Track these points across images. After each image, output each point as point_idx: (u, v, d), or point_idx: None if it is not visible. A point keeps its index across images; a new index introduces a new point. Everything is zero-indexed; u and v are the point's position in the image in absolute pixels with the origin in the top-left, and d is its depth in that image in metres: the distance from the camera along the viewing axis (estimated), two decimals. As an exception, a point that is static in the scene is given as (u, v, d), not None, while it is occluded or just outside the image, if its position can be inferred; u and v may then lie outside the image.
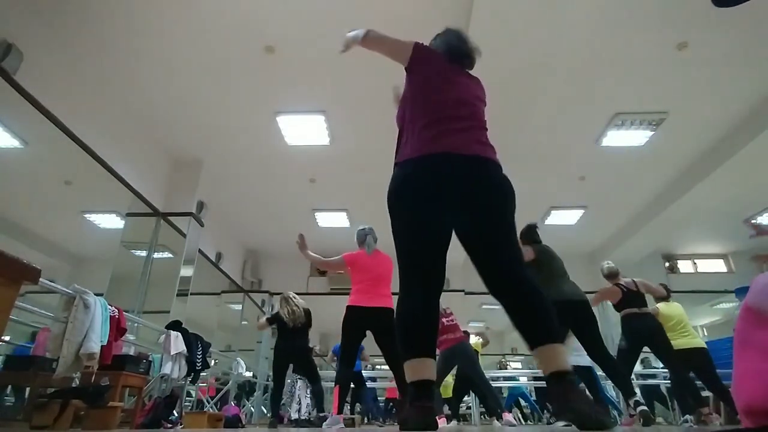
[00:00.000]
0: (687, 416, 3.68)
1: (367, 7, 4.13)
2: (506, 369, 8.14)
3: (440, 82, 1.64)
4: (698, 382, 3.95)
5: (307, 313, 4.58)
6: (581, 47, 4.44)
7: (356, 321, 3.25)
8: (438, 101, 1.59)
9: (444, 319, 4.59)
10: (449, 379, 6.44)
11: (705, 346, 4.09)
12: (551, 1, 3.94)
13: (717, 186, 6.40)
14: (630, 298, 3.79)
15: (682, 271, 9.62)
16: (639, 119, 5.49)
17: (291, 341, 4.40)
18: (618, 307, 3.81)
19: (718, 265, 9.71)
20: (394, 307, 3.27)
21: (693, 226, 8.05)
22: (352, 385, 5.35)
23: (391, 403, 8.51)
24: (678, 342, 4.02)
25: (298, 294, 4.87)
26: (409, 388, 1.32)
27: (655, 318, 3.92)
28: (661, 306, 4.35)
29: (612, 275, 3.94)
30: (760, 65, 4.61)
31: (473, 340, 6.16)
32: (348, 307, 3.28)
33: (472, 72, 1.80)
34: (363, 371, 6.25)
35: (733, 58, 4.52)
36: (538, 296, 1.34)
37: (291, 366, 4.75)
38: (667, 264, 9.60)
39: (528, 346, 1.30)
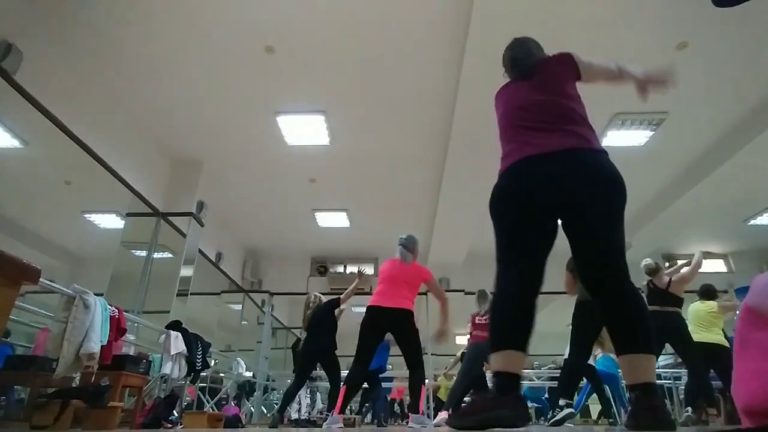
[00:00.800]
0: (688, 408, 3.69)
1: (368, 6, 4.13)
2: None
3: (505, 110, 1.74)
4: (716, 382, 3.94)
5: (323, 309, 4.50)
6: (581, 47, 4.41)
7: (374, 321, 3.26)
8: (506, 125, 1.67)
9: (477, 318, 4.62)
10: (444, 381, 6.43)
11: (715, 342, 4.06)
12: (551, 1, 3.94)
13: (717, 186, 6.40)
14: (654, 296, 3.79)
15: (682, 271, 9.61)
16: (639, 119, 5.49)
17: (312, 341, 4.38)
18: None
19: (718, 265, 9.71)
20: (412, 310, 3.30)
21: (693, 226, 8.05)
22: (365, 385, 5.32)
23: (395, 404, 8.51)
24: (703, 335, 4.00)
25: (298, 294, 4.87)
26: (495, 377, 1.28)
27: (678, 317, 3.88)
28: (694, 304, 4.33)
29: (653, 272, 3.94)
30: (760, 65, 4.61)
31: None
32: (367, 307, 3.32)
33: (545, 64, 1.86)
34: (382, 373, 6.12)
35: (733, 58, 4.52)
36: (636, 300, 1.31)
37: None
38: (667, 264, 9.58)
39: (617, 350, 1.28)
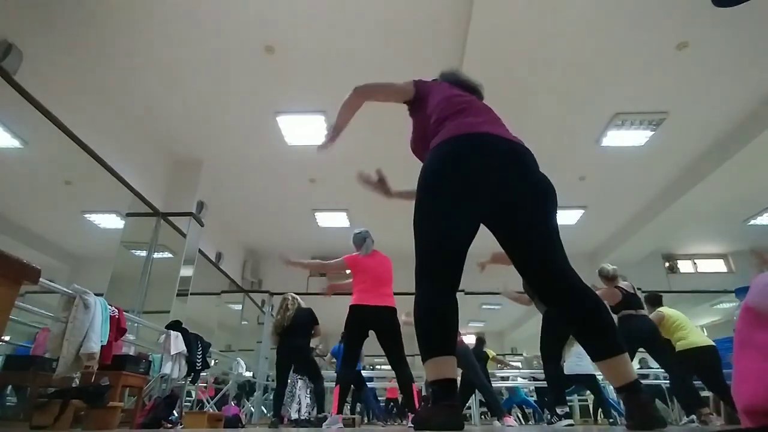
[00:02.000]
0: (693, 416, 3.69)
1: (368, 6, 4.13)
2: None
3: (452, 95, 1.65)
4: (697, 382, 3.95)
5: (305, 313, 4.59)
6: (581, 47, 4.44)
7: (360, 320, 3.26)
8: (452, 103, 1.60)
9: None
10: None
11: (713, 343, 4.08)
12: (551, 0, 3.94)
13: (717, 186, 6.40)
14: (628, 300, 3.81)
15: (682, 271, 9.62)
16: (639, 119, 5.49)
17: (289, 341, 4.40)
18: (615, 308, 3.82)
19: (718, 265, 9.71)
20: (396, 306, 3.31)
21: (693, 226, 8.06)
22: (352, 387, 5.33)
23: (391, 403, 8.51)
24: (689, 341, 4.01)
25: (298, 294, 4.87)
26: (432, 387, 1.26)
27: (651, 320, 3.93)
28: (664, 309, 4.36)
29: (614, 278, 3.94)
30: (760, 65, 4.61)
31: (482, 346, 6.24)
32: (351, 306, 3.31)
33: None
34: (363, 371, 6.24)
35: (733, 58, 4.52)
36: (594, 303, 1.28)
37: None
38: (667, 264, 9.60)
39: (591, 357, 1.27)
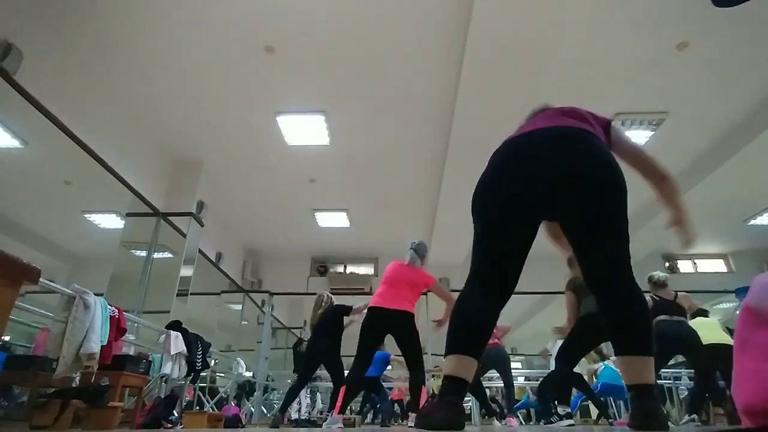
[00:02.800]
0: (694, 415, 3.69)
1: (368, 6, 4.13)
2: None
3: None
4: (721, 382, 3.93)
5: (331, 310, 4.46)
6: (581, 47, 4.44)
7: (375, 322, 3.24)
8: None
9: None
10: (435, 382, 6.41)
11: (723, 342, 4.06)
12: (551, 1, 3.94)
13: (717, 186, 6.40)
14: (662, 307, 3.79)
15: (682, 271, 9.62)
16: (639, 119, 5.49)
17: (318, 340, 4.35)
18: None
19: (718, 265, 9.71)
20: (413, 312, 3.28)
21: (693, 226, 8.04)
22: (368, 395, 5.25)
23: (395, 404, 8.51)
24: (715, 338, 4.01)
25: (298, 294, 4.85)
26: (443, 381, 1.25)
27: (688, 326, 3.88)
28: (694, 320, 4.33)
29: (663, 286, 3.94)
30: (760, 65, 4.61)
31: None
32: (369, 308, 3.30)
33: None
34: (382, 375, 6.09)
35: (733, 58, 4.52)
36: (642, 302, 1.28)
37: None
38: (667, 264, 9.59)
39: (615, 351, 1.27)
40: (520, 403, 7.16)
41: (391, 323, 3.25)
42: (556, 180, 1.29)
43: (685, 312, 3.91)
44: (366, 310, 3.34)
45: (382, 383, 5.98)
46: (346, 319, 4.46)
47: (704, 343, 3.85)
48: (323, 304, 4.51)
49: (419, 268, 3.47)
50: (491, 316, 1.29)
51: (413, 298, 3.38)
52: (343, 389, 3.20)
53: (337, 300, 4.57)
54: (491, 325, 1.29)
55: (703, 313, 4.43)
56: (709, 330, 4.10)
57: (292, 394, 4.30)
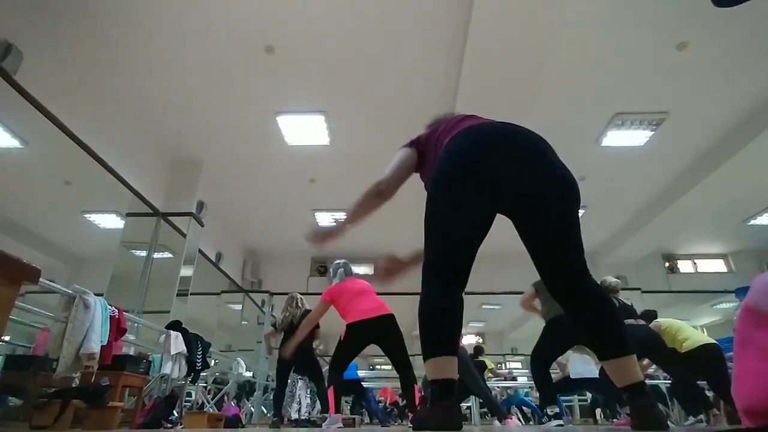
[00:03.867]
0: (700, 416, 3.69)
1: (368, 6, 4.13)
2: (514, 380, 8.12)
3: (450, 122, 1.59)
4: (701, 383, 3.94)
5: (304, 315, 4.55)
6: (581, 47, 4.44)
7: (361, 336, 3.19)
8: (452, 122, 1.57)
9: None
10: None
11: (715, 342, 4.07)
12: (551, 1, 3.94)
13: (717, 186, 6.40)
14: (626, 311, 3.81)
15: (682, 271, 9.62)
16: (639, 119, 5.49)
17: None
18: None
19: (718, 265, 9.72)
20: (393, 313, 3.28)
21: (693, 226, 8.06)
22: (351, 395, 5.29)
23: (392, 407, 8.51)
24: (693, 340, 4.00)
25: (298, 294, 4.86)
26: (431, 386, 1.25)
27: (651, 329, 3.91)
28: (660, 320, 4.34)
29: (615, 291, 3.95)
30: (760, 65, 4.61)
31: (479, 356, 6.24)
32: (349, 325, 3.17)
33: None
34: (359, 370, 6.22)
35: (733, 58, 4.52)
36: (609, 301, 1.29)
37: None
38: (667, 264, 9.60)
39: (600, 356, 1.28)
40: (516, 399, 7.17)
41: (377, 332, 3.20)
42: (527, 174, 1.31)
43: (639, 316, 3.95)
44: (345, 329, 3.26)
45: (362, 384, 6.04)
46: (315, 343, 4.51)
47: (695, 343, 3.88)
48: (297, 305, 4.52)
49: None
50: (459, 309, 1.30)
51: (378, 297, 3.40)
52: (331, 390, 3.20)
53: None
54: (461, 318, 1.30)
55: (652, 313, 4.45)
56: (691, 330, 4.12)
57: (279, 399, 4.32)
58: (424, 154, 1.69)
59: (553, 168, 1.35)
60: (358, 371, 6.33)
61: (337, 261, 3.71)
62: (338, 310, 3.34)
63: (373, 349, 3.35)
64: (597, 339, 1.29)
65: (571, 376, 4.66)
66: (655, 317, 4.39)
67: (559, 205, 1.32)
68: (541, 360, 3.40)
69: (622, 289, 4.04)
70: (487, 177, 1.32)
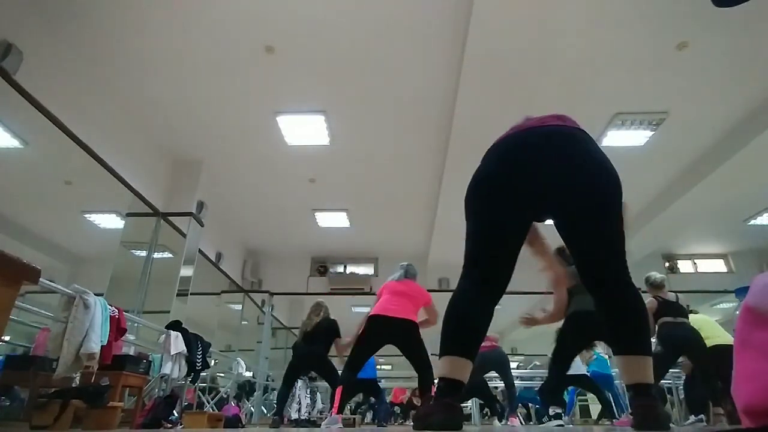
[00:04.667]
0: (701, 416, 3.69)
1: (368, 6, 4.13)
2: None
3: None
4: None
5: (330, 323, 4.49)
6: (581, 47, 4.44)
7: (379, 331, 3.20)
8: None
9: None
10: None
11: (729, 344, 4.06)
12: (551, 1, 3.94)
13: (717, 186, 6.40)
14: (665, 309, 3.80)
15: (682, 271, 9.62)
16: (639, 119, 5.49)
17: (308, 346, 4.33)
18: (654, 316, 3.81)
19: (718, 265, 9.71)
20: (417, 322, 3.23)
21: (693, 226, 8.05)
22: (367, 397, 5.22)
23: (395, 407, 8.51)
24: (720, 339, 4.00)
25: (298, 294, 4.87)
26: (438, 382, 1.26)
27: (692, 328, 3.89)
28: (691, 318, 4.32)
29: (660, 287, 3.94)
30: (760, 65, 4.61)
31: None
32: (371, 317, 3.21)
33: None
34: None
35: (733, 58, 4.52)
36: (639, 301, 1.28)
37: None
38: (667, 264, 9.59)
39: (613, 350, 1.28)
40: (528, 395, 7.17)
41: (395, 332, 3.20)
42: (555, 179, 1.29)
43: (687, 313, 3.92)
44: (365, 321, 3.27)
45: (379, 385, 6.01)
46: (337, 347, 4.41)
47: (710, 343, 3.86)
48: (322, 312, 4.53)
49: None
50: (485, 317, 1.29)
51: (415, 309, 3.37)
52: (339, 390, 3.20)
53: (338, 300, 4.59)
54: (485, 326, 1.29)
55: (695, 313, 4.43)
56: (712, 329, 4.10)
57: (282, 398, 4.31)
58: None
59: (579, 166, 1.31)
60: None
61: (403, 263, 3.69)
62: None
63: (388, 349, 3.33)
64: (614, 333, 1.28)
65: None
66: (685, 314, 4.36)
67: (593, 198, 1.30)
68: (564, 360, 3.31)
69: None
70: (514, 186, 1.31)
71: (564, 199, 1.30)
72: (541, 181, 1.29)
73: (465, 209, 1.41)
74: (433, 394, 3.19)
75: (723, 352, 3.90)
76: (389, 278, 3.58)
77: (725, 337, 4.08)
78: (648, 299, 3.84)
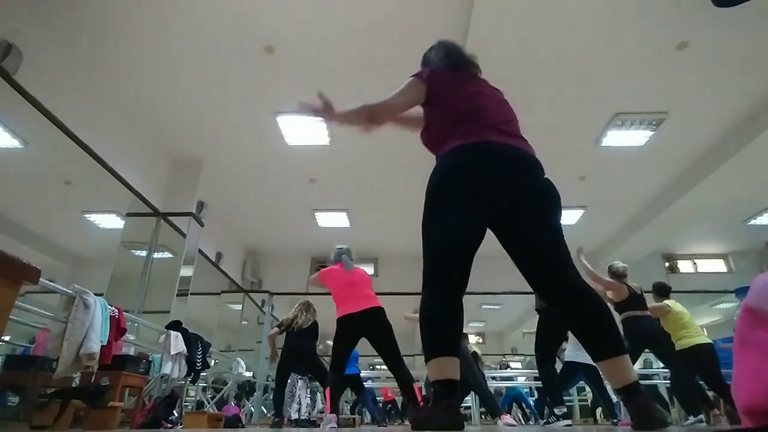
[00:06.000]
0: (701, 416, 3.69)
1: (368, 6, 4.13)
2: (507, 369, 8.14)
3: (465, 95, 1.64)
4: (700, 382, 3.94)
5: (317, 325, 4.70)
6: (581, 47, 4.44)
7: (349, 330, 3.22)
8: (465, 99, 1.61)
9: None
10: None
11: (711, 342, 4.07)
12: (551, 1, 3.94)
13: (717, 186, 6.40)
14: (633, 300, 3.80)
15: (682, 271, 9.63)
16: (639, 119, 5.49)
17: (299, 342, 4.41)
18: (619, 308, 3.81)
19: (718, 265, 9.72)
20: (382, 305, 3.26)
21: (693, 226, 8.05)
22: (350, 392, 5.30)
23: (389, 405, 8.51)
24: (691, 340, 4.00)
25: (298, 294, 4.91)
26: (433, 386, 1.28)
27: (656, 320, 3.91)
28: (671, 303, 4.29)
29: (623, 275, 3.94)
30: (760, 65, 4.61)
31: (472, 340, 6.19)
32: (339, 320, 3.25)
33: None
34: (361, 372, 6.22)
35: (733, 58, 4.52)
36: (597, 305, 1.30)
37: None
38: (667, 264, 9.60)
39: (593, 357, 1.28)
40: (513, 392, 7.17)
41: (365, 325, 3.23)
42: (520, 196, 1.39)
43: (646, 304, 3.94)
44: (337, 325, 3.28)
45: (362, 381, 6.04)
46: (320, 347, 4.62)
47: (692, 342, 3.87)
48: (312, 310, 4.69)
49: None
50: (459, 311, 1.35)
51: (372, 291, 3.42)
52: (327, 391, 3.22)
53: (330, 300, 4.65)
54: (461, 319, 1.34)
55: (667, 289, 4.41)
56: (694, 327, 4.10)
57: (279, 399, 4.35)
58: (431, 95, 1.74)
59: (533, 181, 1.45)
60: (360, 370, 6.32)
61: (340, 246, 3.70)
62: (333, 296, 3.42)
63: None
64: (587, 340, 1.30)
65: (565, 359, 4.66)
66: (669, 292, 4.35)
67: (537, 208, 1.42)
68: (547, 361, 3.39)
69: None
70: (475, 194, 1.39)
71: (528, 213, 1.41)
72: (511, 196, 1.40)
73: (432, 200, 1.47)
74: (419, 392, 3.21)
75: (705, 351, 3.92)
76: (331, 265, 3.59)
77: (704, 336, 4.09)
78: (618, 284, 3.85)
